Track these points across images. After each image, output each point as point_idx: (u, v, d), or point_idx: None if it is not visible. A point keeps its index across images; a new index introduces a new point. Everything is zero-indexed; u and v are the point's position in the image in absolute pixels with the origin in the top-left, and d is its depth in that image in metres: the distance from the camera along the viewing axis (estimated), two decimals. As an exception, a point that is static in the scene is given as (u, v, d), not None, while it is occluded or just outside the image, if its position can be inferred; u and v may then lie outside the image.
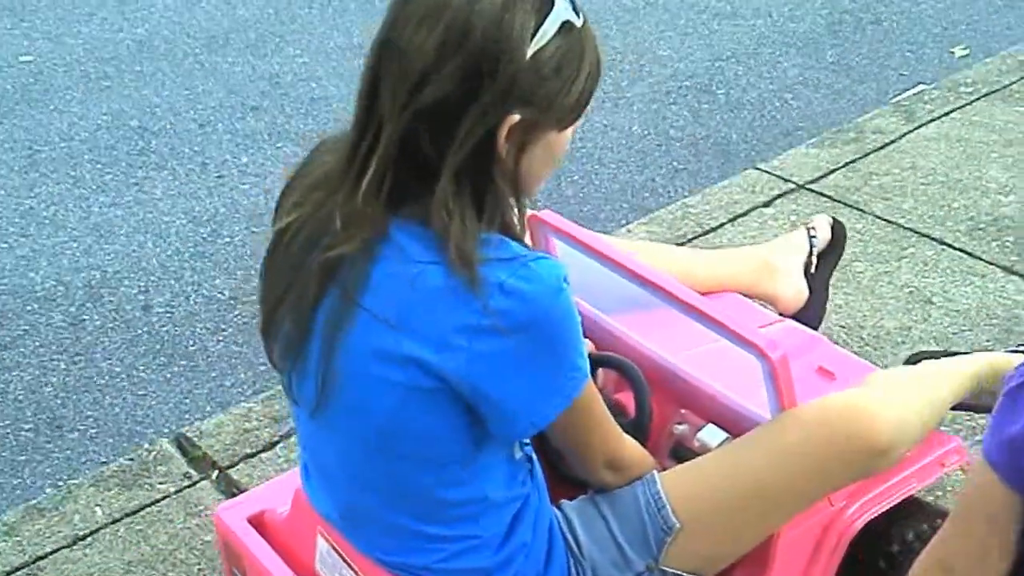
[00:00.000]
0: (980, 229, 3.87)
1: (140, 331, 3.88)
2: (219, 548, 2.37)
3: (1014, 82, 4.78)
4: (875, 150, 4.38)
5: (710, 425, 2.17)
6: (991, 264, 3.69)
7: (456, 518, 1.88)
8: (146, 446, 3.21)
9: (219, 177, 4.73)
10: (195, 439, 3.21)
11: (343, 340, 1.74)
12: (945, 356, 2.34)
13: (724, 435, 2.14)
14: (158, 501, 3.01)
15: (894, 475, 2.17)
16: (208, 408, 3.50)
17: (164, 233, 4.39)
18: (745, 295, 2.66)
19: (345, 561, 2.01)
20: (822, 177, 4.24)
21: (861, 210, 3.99)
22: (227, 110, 5.24)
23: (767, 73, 5.42)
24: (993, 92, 4.70)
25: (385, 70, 1.67)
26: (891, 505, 2.19)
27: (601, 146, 4.82)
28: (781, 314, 2.69)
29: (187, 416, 3.48)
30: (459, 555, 1.90)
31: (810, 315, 2.73)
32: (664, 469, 2.06)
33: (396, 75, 1.65)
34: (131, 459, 3.16)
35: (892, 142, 4.42)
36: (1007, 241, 3.81)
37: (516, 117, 1.66)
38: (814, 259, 2.76)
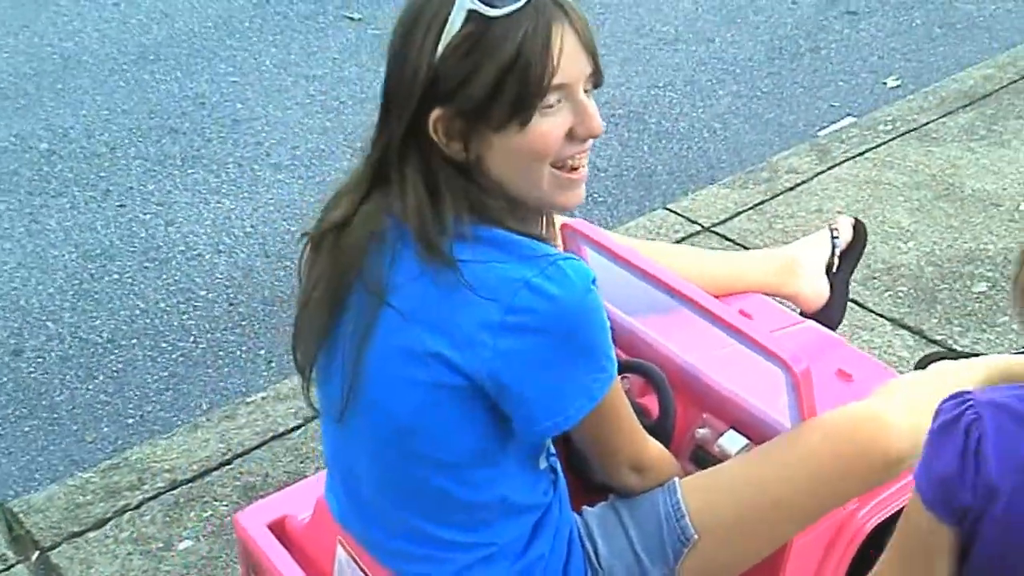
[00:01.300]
0: (875, 278, 3.76)
1: (5, 379, 3.74)
2: (238, 553, 2.35)
3: (932, 120, 4.65)
4: (785, 191, 4.26)
5: (731, 431, 2.19)
6: (880, 316, 3.60)
7: (473, 522, 1.88)
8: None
9: (120, 207, 4.60)
10: (21, 514, 3.04)
11: (371, 339, 1.77)
12: (959, 358, 2.35)
13: (744, 441, 2.16)
14: (-34, 590, 2.84)
15: (905, 476, 2.15)
16: (62, 468, 3.36)
17: (50, 268, 4.26)
18: (770, 295, 2.70)
19: (364, 572, 2.03)
20: (729, 219, 4.14)
21: (761, 256, 3.86)
22: (143, 132, 5.12)
23: (701, 102, 5.30)
24: (910, 131, 4.58)
25: None
26: (902, 506, 2.18)
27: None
28: (803, 313, 2.73)
29: (37, 477, 3.33)
30: (476, 565, 1.90)
31: (830, 316, 2.77)
32: (686, 473, 2.08)
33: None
34: (-50, 539, 2.99)
35: (803, 183, 4.30)
36: (900, 291, 3.71)
37: (437, 111, 1.70)
38: (836, 259, 2.79)
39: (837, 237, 2.79)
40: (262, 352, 3.83)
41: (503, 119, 1.70)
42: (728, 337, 2.09)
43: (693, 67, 5.59)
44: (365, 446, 1.89)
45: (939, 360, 2.37)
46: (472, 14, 1.67)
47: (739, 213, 4.16)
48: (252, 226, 4.48)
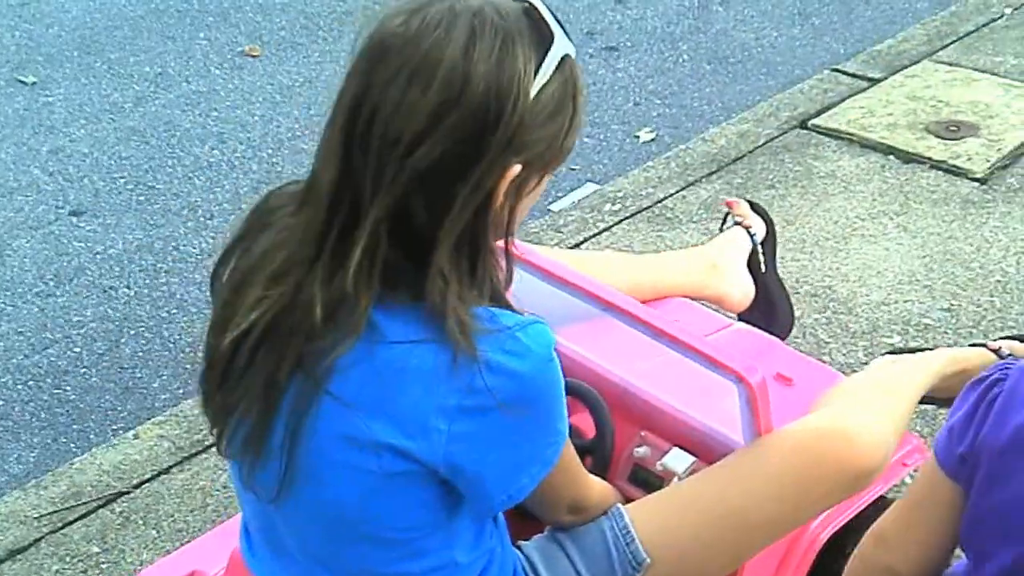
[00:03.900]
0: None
1: None
2: None
3: (669, 195, 3.89)
4: (476, 300, 3.44)
5: (675, 450, 2.13)
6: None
7: None
8: None
9: None
10: None
11: (309, 427, 1.64)
12: (908, 352, 2.39)
13: (691, 459, 2.11)
14: None
15: (868, 489, 2.20)
16: None
17: None
18: (692, 298, 2.63)
19: None
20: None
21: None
22: None
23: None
24: (641, 211, 3.82)
25: (363, 136, 1.53)
26: (856, 514, 2.22)
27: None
28: (740, 317, 2.70)
29: None
30: None
31: (779, 320, 2.72)
32: (626, 497, 2.03)
33: (381, 140, 1.52)
34: None
35: (502, 286, 3.49)
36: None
37: (517, 167, 1.57)
38: (761, 257, 2.71)
39: (755, 233, 2.70)
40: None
41: (568, 155, 1.65)
42: (667, 348, 2.01)
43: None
44: (304, 529, 1.78)
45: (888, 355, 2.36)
46: (565, 58, 1.57)
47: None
48: None
